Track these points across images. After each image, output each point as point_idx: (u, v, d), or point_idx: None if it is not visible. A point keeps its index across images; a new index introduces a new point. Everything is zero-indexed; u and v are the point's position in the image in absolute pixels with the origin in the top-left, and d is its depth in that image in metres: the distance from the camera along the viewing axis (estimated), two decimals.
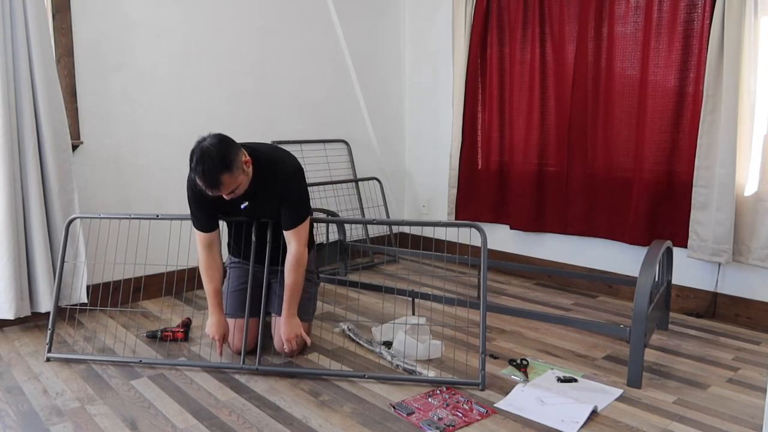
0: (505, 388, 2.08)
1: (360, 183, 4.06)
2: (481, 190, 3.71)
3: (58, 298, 2.38)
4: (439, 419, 1.84)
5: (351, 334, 2.54)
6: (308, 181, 3.68)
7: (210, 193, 2.03)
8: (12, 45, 2.49)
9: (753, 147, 2.61)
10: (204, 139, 2.02)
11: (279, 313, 2.36)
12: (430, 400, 1.98)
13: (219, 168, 1.96)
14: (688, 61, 2.78)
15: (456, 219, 3.82)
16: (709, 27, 2.67)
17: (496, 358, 2.36)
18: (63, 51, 2.76)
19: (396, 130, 4.27)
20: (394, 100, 4.23)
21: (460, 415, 1.88)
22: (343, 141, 3.96)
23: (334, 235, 3.83)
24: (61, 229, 2.67)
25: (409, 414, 1.88)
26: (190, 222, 3.25)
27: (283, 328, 2.26)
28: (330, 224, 3.84)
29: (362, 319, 2.82)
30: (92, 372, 2.22)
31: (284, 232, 2.24)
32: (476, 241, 3.90)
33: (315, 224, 2.67)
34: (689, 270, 2.90)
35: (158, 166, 3.14)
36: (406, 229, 4.39)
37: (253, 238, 2.33)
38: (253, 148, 2.19)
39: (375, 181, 4.15)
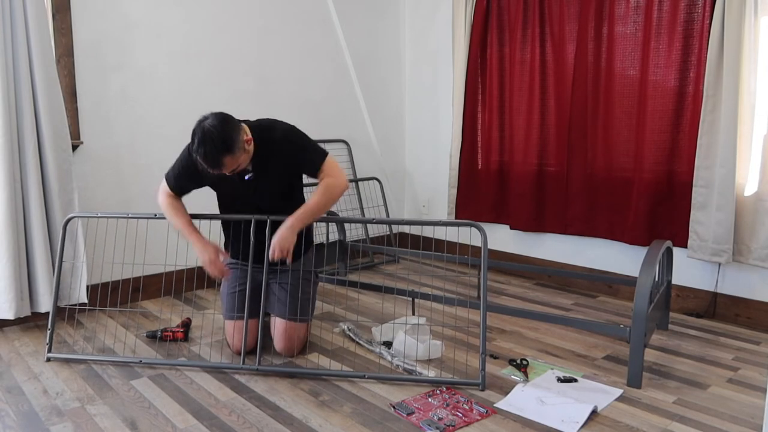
0: (505, 388, 2.08)
1: (360, 183, 4.06)
2: (481, 190, 3.71)
3: (57, 298, 2.38)
4: (439, 419, 1.84)
5: (351, 334, 2.54)
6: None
7: (211, 172, 2.05)
8: (12, 45, 2.49)
9: (753, 147, 2.61)
10: (206, 118, 2.02)
11: (277, 314, 2.36)
12: (430, 400, 1.98)
13: (220, 150, 1.97)
14: (688, 61, 2.78)
15: (456, 218, 3.82)
16: (709, 27, 2.67)
17: (496, 358, 2.36)
18: (63, 51, 2.76)
19: (396, 130, 4.27)
20: (394, 100, 4.24)
21: (460, 415, 1.88)
22: (343, 141, 3.96)
23: (334, 235, 3.83)
24: (61, 229, 2.67)
25: (409, 414, 1.88)
26: None
27: (278, 234, 2.15)
28: (330, 224, 3.84)
29: (362, 319, 2.82)
30: (92, 372, 2.22)
31: (318, 177, 2.22)
32: (476, 241, 3.90)
33: (315, 224, 2.68)
34: (689, 270, 2.90)
35: (158, 166, 3.14)
36: (406, 229, 4.39)
37: (252, 239, 2.29)
38: (251, 125, 2.20)
39: (375, 181, 4.15)
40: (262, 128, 2.21)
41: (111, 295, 3.03)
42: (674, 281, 2.95)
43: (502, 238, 3.74)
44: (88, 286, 2.85)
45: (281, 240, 2.15)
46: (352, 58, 3.93)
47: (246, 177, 2.22)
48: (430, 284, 3.46)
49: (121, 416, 1.89)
